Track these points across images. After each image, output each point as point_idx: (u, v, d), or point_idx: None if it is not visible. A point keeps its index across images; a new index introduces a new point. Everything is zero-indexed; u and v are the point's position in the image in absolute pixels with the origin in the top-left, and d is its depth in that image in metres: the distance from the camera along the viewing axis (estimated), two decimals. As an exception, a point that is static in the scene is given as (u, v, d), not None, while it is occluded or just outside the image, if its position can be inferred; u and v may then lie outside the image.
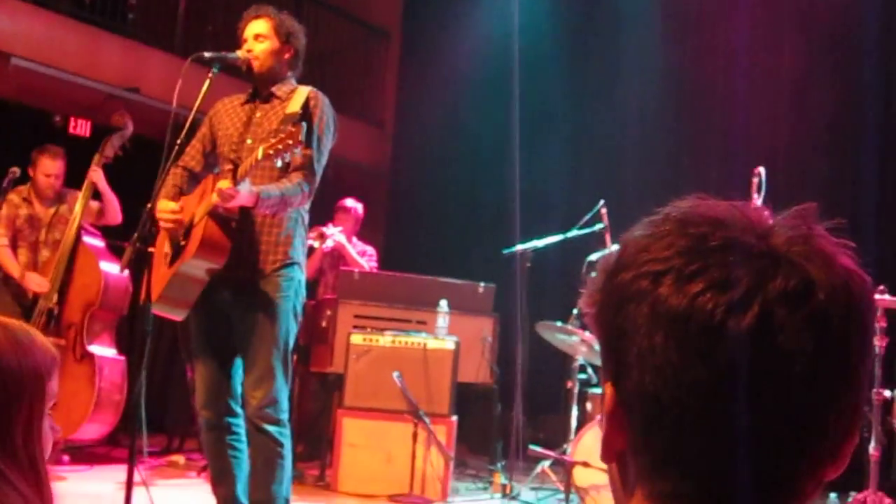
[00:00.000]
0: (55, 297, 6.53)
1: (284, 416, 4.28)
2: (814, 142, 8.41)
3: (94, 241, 6.79)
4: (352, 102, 11.26)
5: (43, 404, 1.72)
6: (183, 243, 4.21)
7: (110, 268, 6.67)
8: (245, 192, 3.96)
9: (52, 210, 6.81)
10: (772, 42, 8.67)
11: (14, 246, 6.73)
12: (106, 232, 7.07)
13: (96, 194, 6.76)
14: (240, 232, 4.18)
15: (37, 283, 6.58)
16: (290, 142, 3.84)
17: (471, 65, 10.19)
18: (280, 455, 4.24)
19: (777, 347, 0.84)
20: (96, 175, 6.65)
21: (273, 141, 3.88)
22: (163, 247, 4.39)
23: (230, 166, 4.05)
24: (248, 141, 4.26)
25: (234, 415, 4.33)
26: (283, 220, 4.26)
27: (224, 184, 3.94)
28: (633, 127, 9.20)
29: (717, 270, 0.86)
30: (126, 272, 6.44)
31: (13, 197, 6.77)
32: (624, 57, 9.29)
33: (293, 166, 4.19)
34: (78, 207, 6.66)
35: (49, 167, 6.76)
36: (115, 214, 6.85)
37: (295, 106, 4.15)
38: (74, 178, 6.79)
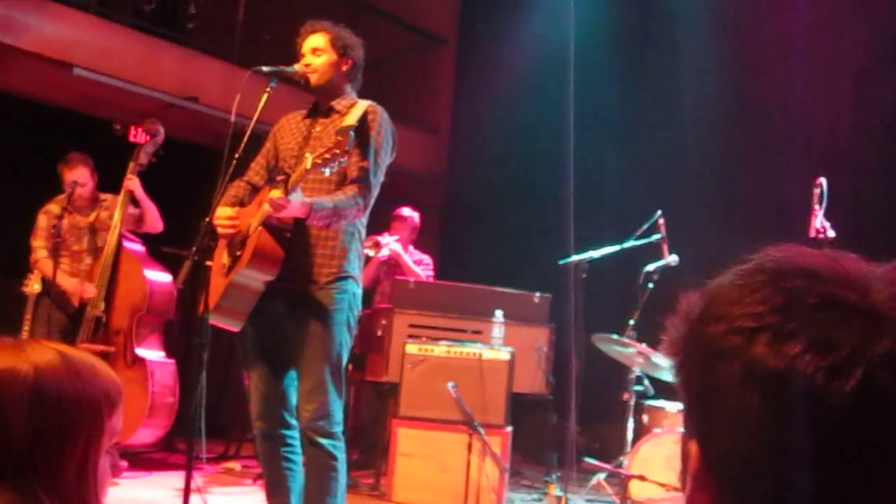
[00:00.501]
0: (102, 305, 6.60)
1: (338, 429, 4.27)
2: (876, 144, 8.26)
3: (136, 247, 6.85)
4: (408, 109, 11.27)
5: (101, 440, 1.62)
6: (238, 254, 4.24)
7: (153, 273, 6.74)
8: (297, 203, 3.97)
9: (91, 217, 6.88)
10: (831, 41, 8.52)
11: (56, 255, 6.80)
12: (158, 237, 7.13)
13: (135, 201, 6.82)
14: (294, 244, 4.20)
15: (89, 289, 6.66)
16: (338, 151, 3.83)
17: (526, 70, 10.15)
18: (334, 468, 4.23)
19: (881, 414, 0.80)
20: (132, 183, 6.71)
21: (321, 150, 3.89)
22: (221, 257, 4.42)
23: (282, 177, 4.06)
24: (307, 155, 4.28)
25: (289, 427, 4.34)
26: (338, 233, 4.26)
27: (275, 193, 3.96)
28: (689, 133, 9.09)
29: (816, 330, 0.81)
30: (168, 278, 6.54)
31: (52, 207, 6.85)
32: (680, 61, 9.19)
33: (349, 179, 4.21)
34: (117, 215, 6.71)
35: (77, 175, 6.81)
36: (154, 222, 6.90)
37: (351, 119, 4.15)
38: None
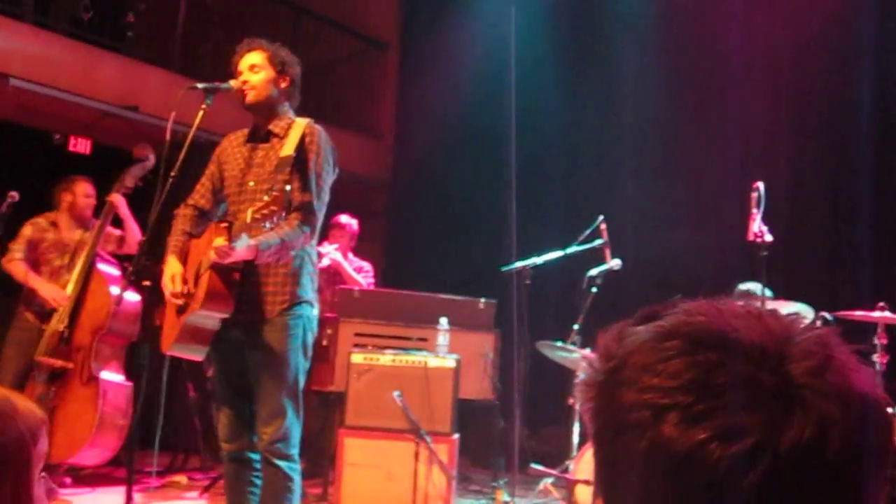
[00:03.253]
0: (66, 320, 6.52)
1: (295, 452, 4.32)
2: (813, 146, 8.41)
3: (109, 268, 6.76)
4: (351, 114, 11.27)
5: (31, 472, 1.65)
6: (192, 291, 4.23)
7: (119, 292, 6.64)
8: (242, 248, 3.98)
9: (77, 235, 6.80)
10: (765, 43, 8.67)
11: (36, 270, 6.72)
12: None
13: (117, 222, 6.77)
14: (246, 277, 4.21)
15: (52, 294, 6.55)
16: (275, 208, 3.86)
17: (469, 76, 10.18)
18: (289, 489, 4.29)
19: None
20: (117, 199, 6.64)
21: (259, 205, 3.90)
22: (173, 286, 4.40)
23: (225, 224, 4.05)
24: (251, 183, 4.29)
25: (255, 450, 4.35)
26: (287, 261, 4.28)
27: (220, 241, 3.97)
28: (629, 138, 9.19)
29: (724, 415, 0.78)
30: (136, 299, 6.46)
31: (40, 220, 6.80)
32: (620, 68, 9.28)
33: (293, 206, 4.20)
34: (95, 229, 6.64)
35: (88, 188, 6.86)
36: (135, 244, 6.80)
37: (289, 148, 4.17)
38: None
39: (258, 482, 4.38)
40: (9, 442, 1.62)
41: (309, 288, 4.39)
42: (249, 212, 3.92)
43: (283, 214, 3.95)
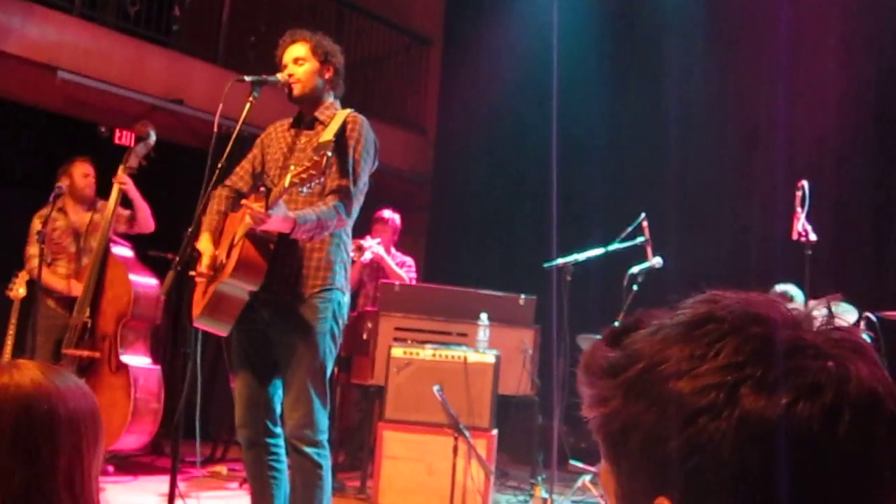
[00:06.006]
0: (88, 310, 6.56)
1: (323, 437, 4.29)
2: (860, 146, 8.31)
3: (124, 252, 6.78)
4: (394, 109, 11.30)
5: (97, 450, 1.70)
6: (223, 262, 4.25)
7: (139, 278, 6.68)
8: (279, 216, 3.99)
9: (87, 217, 6.85)
10: (815, 43, 8.56)
11: (55, 258, 6.77)
12: (143, 240, 7.08)
13: (126, 203, 6.80)
14: (280, 256, 4.21)
15: (75, 287, 6.63)
16: (314, 172, 3.86)
17: (512, 70, 10.18)
18: (319, 476, 4.25)
19: (870, 457, 0.80)
20: (123, 179, 6.66)
21: (299, 169, 3.91)
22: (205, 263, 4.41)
23: (263, 190, 4.08)
24: (292, 167, 4.30)
25: (273, 435, 4.36)
26: (324, 244, 4.28)
27: (256, 206, 3.97)
28: (673, 135, 9.11)
29: (799, 376, 0.80)
30: (154, 282, 6.52)
31: (44, 211, 6.69)
32: (665, 65, 9.23)
33: (329, 189, 4.22)
34: (107, 213, 6.68)
35: (86, 168, 6.87)
36: (147, 222, 6.86)
37: (329, 134, 4.18)
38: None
39: (278, 466, 4.38)
40: (87, 414, 1.67)
41: (342, 275, 4.37)
42: (288, 176, 3.92)
43: (321, 180, 3.95)
